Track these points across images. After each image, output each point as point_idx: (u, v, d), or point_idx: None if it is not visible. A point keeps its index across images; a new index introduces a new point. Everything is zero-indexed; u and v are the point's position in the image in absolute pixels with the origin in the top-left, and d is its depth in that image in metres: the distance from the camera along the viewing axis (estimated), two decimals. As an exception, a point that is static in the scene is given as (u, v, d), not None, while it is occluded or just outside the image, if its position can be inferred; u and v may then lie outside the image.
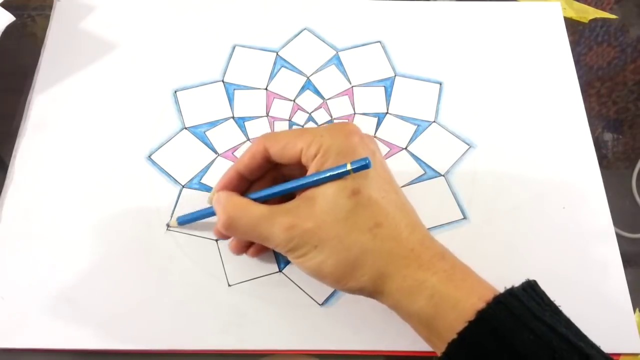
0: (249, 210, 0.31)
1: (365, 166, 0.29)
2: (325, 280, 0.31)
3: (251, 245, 0.36)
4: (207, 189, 0.40)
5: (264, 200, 0.32)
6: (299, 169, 0.32)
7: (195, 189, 0.40)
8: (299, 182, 0.31)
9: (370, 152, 0.31)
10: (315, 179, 0.30)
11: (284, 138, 0.32)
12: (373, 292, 0.30)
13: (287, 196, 0.32)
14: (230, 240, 0.36)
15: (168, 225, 0.38)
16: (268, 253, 0.37)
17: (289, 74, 0.45)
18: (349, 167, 0.29)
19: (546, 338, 0.26)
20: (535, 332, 0.26)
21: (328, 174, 0.30)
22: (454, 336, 0.26)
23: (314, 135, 0.31)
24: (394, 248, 0.29)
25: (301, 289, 0.37)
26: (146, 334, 0.35)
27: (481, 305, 0.27)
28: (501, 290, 0.28)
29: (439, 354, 0.29)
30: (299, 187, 0.31)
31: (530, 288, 0.28)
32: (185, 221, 0.37)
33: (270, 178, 0.35)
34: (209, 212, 0.36)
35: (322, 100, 0.44)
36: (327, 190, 0.30)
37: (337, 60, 0.46)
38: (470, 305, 0.27)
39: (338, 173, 0.29)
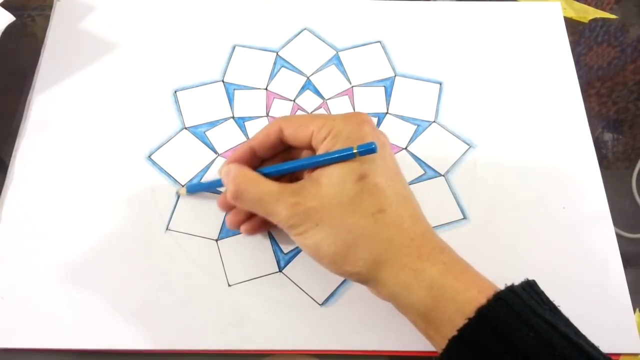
0: (258, 184, 0.32)
1: (372, 150, 0.30)
2: (322, 261, 0.31)
3: (247, 221, 0.36)
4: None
5: (274, 178, 0.33)
6: (311, 153, 0.33)
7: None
8: (306, 161, 0.32)
9: (381, 142, 0.31)
10: (322, 159, 0.31)
11: (298, 120, 0.33)
12: (369, 278, 0.30)
13: (295, 179, 0.33)
14: (228, 214, 0.36)
15: (177, 193, 0.39)
16: (267, 253, 0.37)
17: (289, 74, 0.45)
18: (355, 149, 0.30)
19: (547, 335, 0.26)
20: (536, 329, 0.26)
21: (334, 155, 0.30)
22: (453, 331, 0.27)
23: (326, 119, 0.32)
24: (394, 236, 0.29)
25: (301, 289, 0.37)
26: (146, 334, 0.35)
27: (481, 299, 0.27)
28: (500, 286, 0.28)
29: (436, 346, 0.29)
30: (306, 166, 0.32)
31: (530, 287, 0.28)
32: (195, 190, 0.39)
33: (282, 159, 0.35)
34: (218, 184, 0.37)
35: (322, 100, 0.44)
36: (334, 173, 0.30)
37: (337, 60, 0.46)
38: (470, 297, 0.27)
39: (344, 155, 0.30)
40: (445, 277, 0.28)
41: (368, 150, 0.30)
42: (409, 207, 0.31)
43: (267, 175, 0.33)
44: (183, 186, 0.39)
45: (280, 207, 0.31)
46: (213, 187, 0.38)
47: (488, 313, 0.26)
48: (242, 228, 0.36)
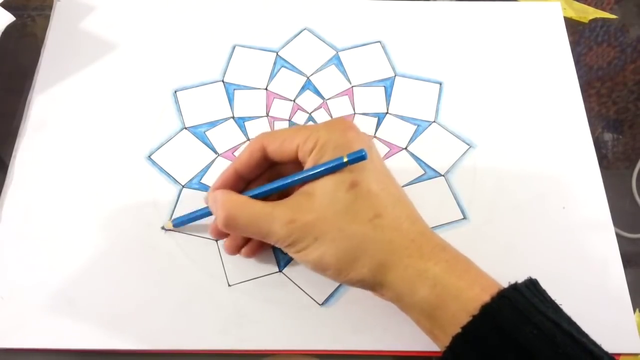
0: (248, 207, 0.31)
1: (362, 157, 0.29)
2: (326, 273, 0.31)
3: (246, 245, 0.36)
4: (207, 189, 0.40)
5: (262, 198, 0.32)
6: (296, 167, 0.32)
7: (195, 189, 0.40)
8: (296, 177, 0.31)
9: (367, 146, 0.31)
10: (312, 172, 0.30)
11: (281, 135, 0.32)
12: (374, 283, 0.30)
13: (284, 195, 0.32)
14: (225, 239, 0.36)
15: (163, 228, 0.38)
16: (267, 253, 0.37)
17: (289, 74, 0.45)
18: (345, 159, 0.29)
19: (550, 333, 0.26)
20: (539, 327, 0.26)
21: (325, 167, 0.30)
22: (458, 329, 0.27)
23: (310, 131, 0.31)
24: (395, 238, 0.29)
25: (301, 289, 0.37)
26: (146, 334, 0.35)
27: (485, 297, 0.27)
28: (503, 283, 0.28)
29: (439, 345, 0.29)
30: (297, 182, 0.31)
31: (533, 285, 0.28)
32: (181, 223, 0.37)
33: (267, 178, 0.35)
34: (205, 213, 0.36)
35: (322, 100, 0.44)
36: (326, 184, 0.30)
37: (337, 60, 0.46)
38: (473, 295, 0.27)
39: (335, 165, 0.30)
40: (449, 275, 0.28)
41: (358, 158, 0.29)
42: (405, 208, 0.31)
43: (256, 197, 0.32)
44: (169, 220, 0.38)
45: (276, 227, 0.30)
46: (200, 218, 0.37)
47: (492, 311, 0.26)
48: (243, 252, 0.36)
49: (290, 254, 0.31)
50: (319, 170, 0.30)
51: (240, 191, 0.34)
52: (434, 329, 0.29)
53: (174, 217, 0.38)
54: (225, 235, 0.36)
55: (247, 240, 0.36)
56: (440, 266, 0.29)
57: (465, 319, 0.27)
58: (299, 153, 0.31)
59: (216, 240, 0.38)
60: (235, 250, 0.36)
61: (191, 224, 0.38)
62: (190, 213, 0.37)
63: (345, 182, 0.30)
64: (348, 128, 0.32)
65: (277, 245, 0.32)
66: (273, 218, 0.30)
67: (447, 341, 0.27)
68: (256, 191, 0.33)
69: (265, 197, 0.33)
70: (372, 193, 0.30)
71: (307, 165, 0.31)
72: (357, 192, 0.30)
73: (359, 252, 0.29)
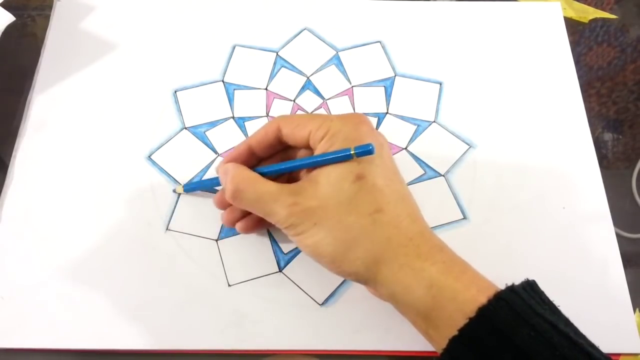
0: (256, 184, 0.32)
1: (369, 152, 0.30)
2: (321, 261, 0.31)
3: (242, 219, 0.36)
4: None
5: (272, 178, 0.33)
6: (309, 153, 0.33)
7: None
8: (303, 161, 0.33)
9: (378, 143, 0.31)
10: (318, 159, 0.31)
11: (296, 119, 0.33)
12: (368, 278, 0.30)
13: (293, 180, 0.33)
14: (224, 211, 0.37)
15: (174, 191, 0.39)
16: (267, 252, 0.37)
17: (289, 74, 0.45)
18: (352, 150, 0.30)
19: (547, 335, 0.26)
20: (537, 328, 0.26)
21: (331, 156, 0.31)
22: (454, 331, 0.27)
23: (324, 119, 0.32)
24: (392, 235, 0.30)
25: (301, 289, 0.37)
26: (146, 334, 0.35)
27: (481, 298, 0.27)
28: (500, 286, 0.28)
29: (435, 346, 0.29)
30: (304, 166, 0.33)
31: (530, 287, 0.28)
32: (191, 189, 0.39)
33: (279, 159, 0.35)
34: (216, 182, 0.37)
35: (322, 100, 0.44)
36: (332, 174, 0.30)
37: (337, 60, 0.46)
38: (470, 297, 0.27)
39: (341, 155, 0.30)
40: (445, 277, 0.28)
41: (365, 151, 0.30)
42: (407, 206, 0.31)
43: (264, 174, 0.33)
44: (180, 184, 0.39)
45: (278, 207, 0.31)
46: (211, 186, 0.39)
47: (489, 313, 0.26)
48: (238, 226, 0.36)
49: (289, 237, 0.32)
50: (325, 158, 0.31)
51: (252, 166, 0.34)
52: (429, 329, 0.29)
53: (173, 219, 0.38)
54: (228, 206, 0.36)
55: (244, 215, 0.36)
56: (436, 267, 0.29)
57: (461, 320, 0.27)
58: (311, 140, 0.32)
59: (216, 240, 0.38)
60: (232, 222, 0.36)
61: (191, 226, 0.38)
62: (202, 181, 0.39)
63: (352, 173, 0.30)
64: (361, 122, 0.32)
65: (277, 226, 0.32)
66: (277, 199, 0.31)
67: (442, 342, 0.27)
68: (265, 169, 0.34)
69: (275, 178, 0.33)
70: (376, 187, 0.30)
71: (316, 153, 0.32)
72: (362, 184, 0.30)
73: (354, 244, 0.30)
